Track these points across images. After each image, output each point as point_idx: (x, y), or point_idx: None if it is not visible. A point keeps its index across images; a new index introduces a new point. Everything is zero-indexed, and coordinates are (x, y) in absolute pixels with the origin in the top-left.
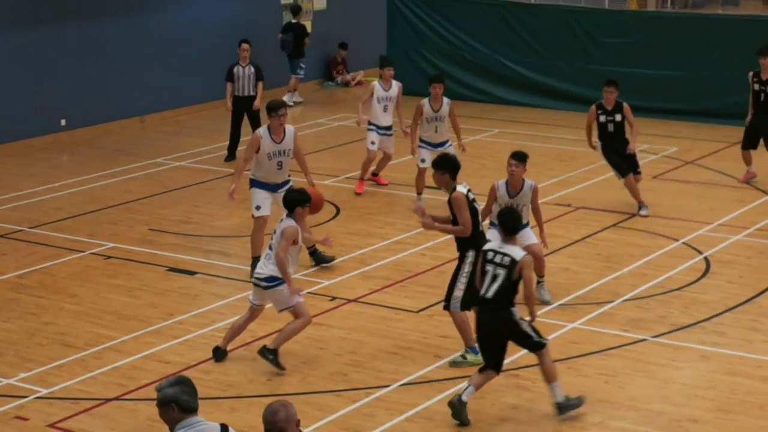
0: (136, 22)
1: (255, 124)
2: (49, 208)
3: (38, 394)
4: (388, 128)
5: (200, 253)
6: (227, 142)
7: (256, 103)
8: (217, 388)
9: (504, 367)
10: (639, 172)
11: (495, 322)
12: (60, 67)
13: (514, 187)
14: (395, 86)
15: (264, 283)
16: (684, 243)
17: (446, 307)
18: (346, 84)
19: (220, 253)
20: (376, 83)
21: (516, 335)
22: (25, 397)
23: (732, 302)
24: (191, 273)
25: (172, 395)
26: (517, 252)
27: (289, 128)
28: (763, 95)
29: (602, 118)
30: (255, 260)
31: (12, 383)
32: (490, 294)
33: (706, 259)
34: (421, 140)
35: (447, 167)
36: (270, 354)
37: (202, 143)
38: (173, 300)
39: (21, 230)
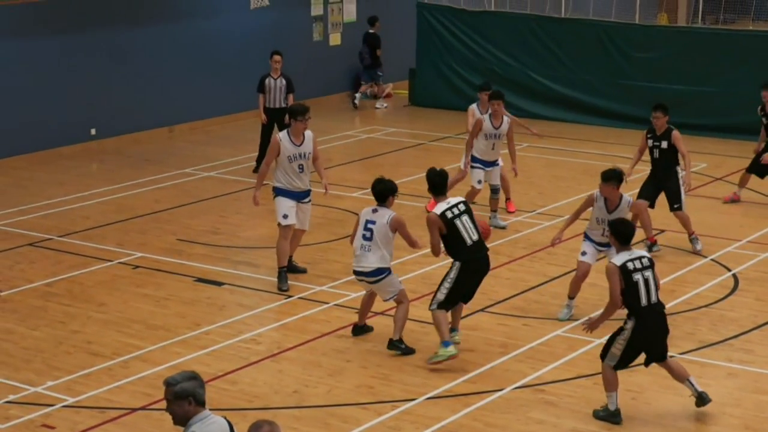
0: (167, 31)
1: None
2: (77, 216)
3: (65, 403)
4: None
5: (228, 263)
6: (256, 153)
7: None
8: (243, 399)
9: (530, 382)
10: (677, 208)
11: (664, 322)
12: (90, 76)
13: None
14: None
15: (370, 278)
16: (712, 260)
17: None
18: (375, 96)
19: (247, 263)
20: (474, 106)
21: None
22: (51, 405)
23: (760, 320)
24: (219, 283)
25: (191, 389)
26: (644, 252)
27: (308, 132)
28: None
29: (650, 143)
30: (282, 270)
31: (39, 391)
32: (654, 298)
33: (734, 275)
34: (473, 158)
35: (428, 185)
36: (400, 344)
37: (231, 153)
38: (200, 310)
39: (50, 238)
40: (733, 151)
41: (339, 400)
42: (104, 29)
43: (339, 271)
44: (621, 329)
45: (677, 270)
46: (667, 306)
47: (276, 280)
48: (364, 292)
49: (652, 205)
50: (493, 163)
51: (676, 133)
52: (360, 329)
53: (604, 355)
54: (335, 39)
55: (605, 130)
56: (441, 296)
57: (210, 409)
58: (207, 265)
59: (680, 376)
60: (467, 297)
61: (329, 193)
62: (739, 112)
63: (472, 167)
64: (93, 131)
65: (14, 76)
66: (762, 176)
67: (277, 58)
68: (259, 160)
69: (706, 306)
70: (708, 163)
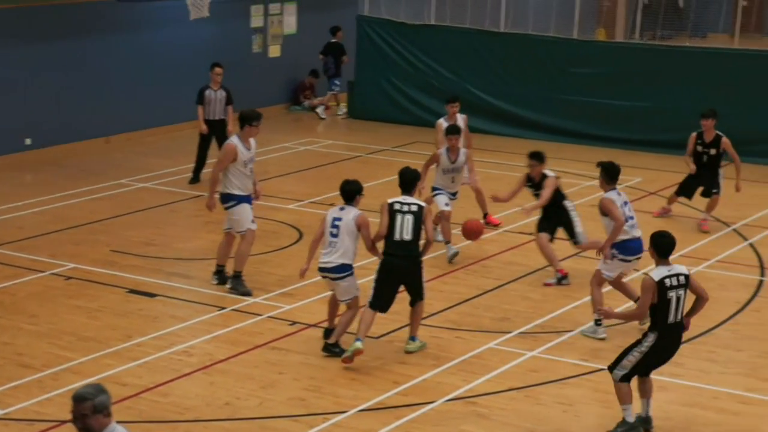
0: (105, 41)
1: None
2: (10, 227)
3: None
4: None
5: (161, 275)
6: (193, 164)
7: (230, 128)
8: (174, 411)
9: (462, 395)
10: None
11: (680, 339)
12: (26, 85)
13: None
14: (461, 120)
15: (333, 274)
16: (644, 273)
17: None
18: (313, 109)
19: (181, 275)
20: (441, 120)
21: None
22: None
23: (690, 333)
24: (152, 295)
25: (107, 401)
26: (683, 268)
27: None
28: (705, 157)
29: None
30: (240, 274)
31: None
32: (679, 317)
33: None
34: (435, 188)
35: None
36: (335, 347)
37: (168, 165)
38: (133, 322)
39: None
40: (668, 167)
41: (271, 413)
42: (41, 39)
43: (273, 283)
44: (639, 342)
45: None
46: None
47: (209, 291)
48: (300, 303)
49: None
50: (456, 195)
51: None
52: (331, 333)
53: (613, 367)
54: (275, 51)
55: (543, 144)
56: (372, 293)
57: (141, 422)
58: (140, 277)
59: (646, 393)
60: (384, 304)
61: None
62: (675, 127)
63: (436, 194)
64: (28, 141)
65: None
66: (690, 197)
67: (218, 70)
68: (196, 171)
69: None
70: (643, 177)
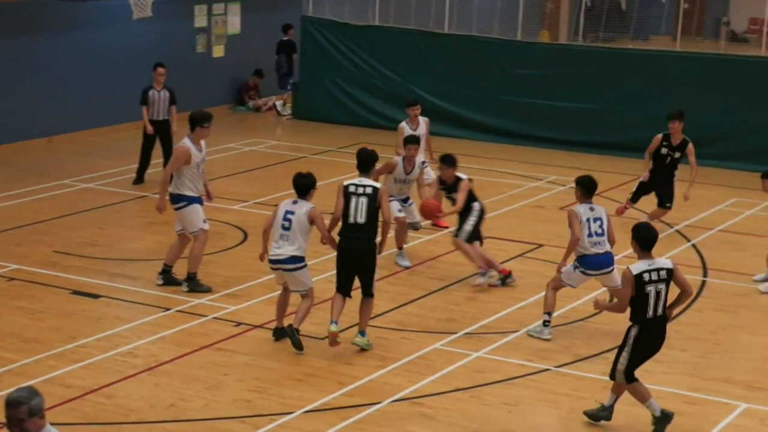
0: (47, 41)
1: (167, 148)
2: None
3: None
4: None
5: (105, 276)
6: (136, 165)
7: (174, 128)
8: (119, 413)
9: (407, 395)
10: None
11: (664, 333)
12: None
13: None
14: (423, 123)
15: (287, 265)
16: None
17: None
18: (258, 109)
19: (125, 276)
20: (403, 123)
21: None
22: None
23: None
24: (95, 296)
25: (41, 403)
26: (667, 262)
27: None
28: (669, 159)
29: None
30: (195, 275)
31: None
32: (660, 311)
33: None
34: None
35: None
36: (296, 333)
37: (111, 165)
38: (76, 323)
39: None
40: (611, 168)
41: (216, 414)
42: None
43: (218, 284)
44: (624, 340)
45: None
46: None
47: (154, 292)
48: (245, 304)
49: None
50: (408, 200)
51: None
52: (281, 332)
53: (612, 374)
54: (218, 51)
55: (487, 145)
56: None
57: (85, 424)
58: (84, 278)
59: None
60: (345, 287)
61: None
62: (617, 129)
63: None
64: None
65: None
66: (636, 201)
67: (161, 70)
68: (140, 172)
69: (581, 320)
70: None
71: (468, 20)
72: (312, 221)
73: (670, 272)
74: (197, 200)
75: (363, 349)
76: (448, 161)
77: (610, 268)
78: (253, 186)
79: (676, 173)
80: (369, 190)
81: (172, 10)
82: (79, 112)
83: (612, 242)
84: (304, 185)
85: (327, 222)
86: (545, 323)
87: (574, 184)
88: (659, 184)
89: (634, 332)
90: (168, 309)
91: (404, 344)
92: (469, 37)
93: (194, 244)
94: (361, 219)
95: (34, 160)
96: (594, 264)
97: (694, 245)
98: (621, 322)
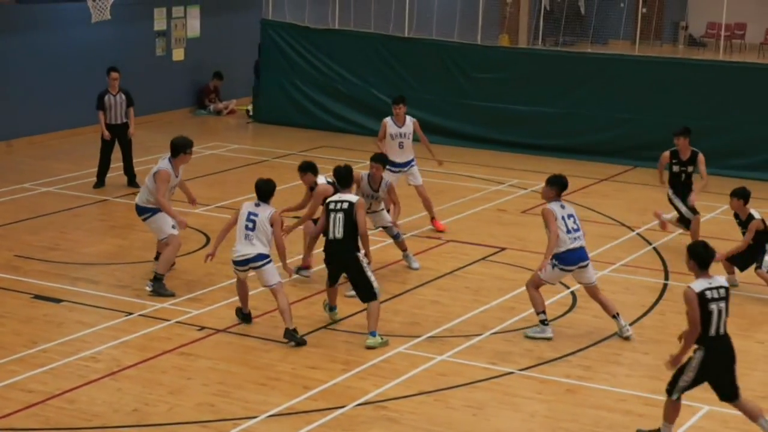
0: (4, 44)
1: (126, 151)
2: None
3: None
4: (405, 164)
5: (67, 280)
6: (96, 168)
7: (131, 130)
8: (81, 418)
9: (372, 399)
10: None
11: (733, 353)
12: None
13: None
14: (409, 122)
15: (256, 263)
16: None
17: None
18: (218, 113)
19: (87, 280)
20: (388, 119)
21: None
22: None
23: (597, 336)
24: (57, 300)
25: None
26: (723, 280)
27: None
28: (684, 175)
29: (675, 168)
30: (162, 277)
31: None
32: (722, 330)
33: (572, 293)
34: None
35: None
36: (295, 333)
37: (71, 169)
38: (38, 328)
39: None
40: (573, 171)
41: (180, 419)
42: None
43: (180, 287)
44: (689, 361)
45: (517, 288)
46: (507, 323)
47: (114, 297)
48: (208, 308)
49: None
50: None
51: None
52: (244, 316)
53: (671, 390)
54: (178, 54)
55: (447, 149)
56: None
57: (47, 429)
58: (45, 282)
59: (753, 415)
60: (333, 280)
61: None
62: (578, 132)
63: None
64: None
65: None
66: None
67: (114, 75)
68: (100, 175)
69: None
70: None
71: (428, 24)
72: (272, 225)
73: (727, 290)
74: (160, 211)
75: (370, 347)
76: (304, 168)
77: (586, 262)
78: (214, 189)
79: (694, 187)
80: (345, 206)
81: (131, 13)
82: (38, 116)
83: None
84: (266, 191)
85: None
86: (543, 322)
87: (543, 184)
88: (683, 198)
89: (699, 355)
90: (130, 313)
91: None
92: (430, 41)
93: (166, 248)
94: (339, 234)
95: None
96: (572, 259)
97: (655, 248)
98: (583, 325)
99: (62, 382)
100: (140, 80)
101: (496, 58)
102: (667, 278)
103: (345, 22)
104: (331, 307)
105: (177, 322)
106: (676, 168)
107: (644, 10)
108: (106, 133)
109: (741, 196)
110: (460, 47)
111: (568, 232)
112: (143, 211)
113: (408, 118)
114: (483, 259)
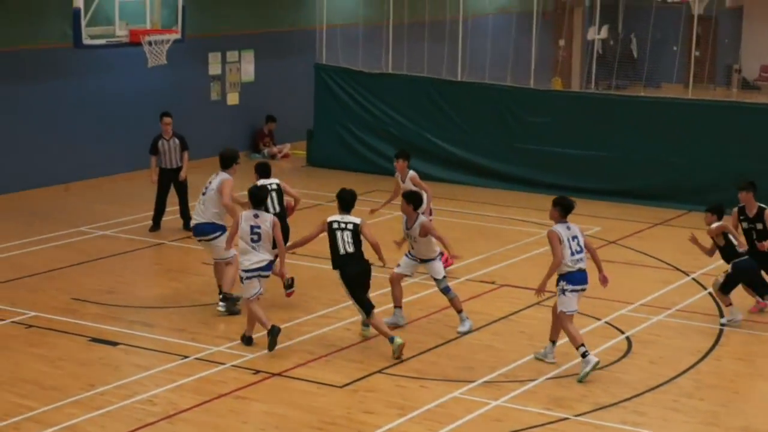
0: (64, 87)
1: (181, 194)
2: None
3: None
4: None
5: (123, 323)
6: (152, 212)
7: (182, 174)
8: None
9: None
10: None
11: None
12: None
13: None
14: (408, 180)
15: (267, 271)
16: (606, 322)
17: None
18: (273, 156)
19: (143, 323)
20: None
21: None
22: None
23: (653, 382)
24: (113, 343)
25: None
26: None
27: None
28: (754, 233)
29: (744, 225)
30: (226, 296)
31: None
32: None
33: (627, 338)
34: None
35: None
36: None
37: (127, 212)
38: (95, 370)
39: None
40: (627, 215)
41: None
42: (1, 85)
43: (236, 331)
44: None
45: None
46: (562, 368)
47: (170, 340)
48: (263, 351)
49: None
50: (427, 260)
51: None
52: (247, 339)
53: None
54: (233, 98)
55: (500, 193)
56: (352, 302)
57: None
58: (102, 325)
59: None
60: (369, 304)
61: None
62: (631, 176)
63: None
64: None
65: None
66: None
67: (167, 120)
68: (155, 219)
69: (599, 368)
70: (602, 227)
71: (481, 68)
72: (274, 228)
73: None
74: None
75: (401, 344)
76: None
77: (587, 285)
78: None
79: None
80: (351, 226)
81: (187, 58)
82: (96, 159)
83: (593, 251)
84: (263, 198)
85: None
86: (584, 355)
87: (551, 206)
88: (760, 256)
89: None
90: (186, 356)
91: (423, 393)
92: (482, 85)
93: (228, 268)
94: (351, 249)
95: (51, 207)
96: (578, 279)
97: (710, 293)
98: (638, 371)
99: (119, 425)
100: (195, 124)
101: (548, 102)
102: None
103: (398, 66)
104: (366, 325)
105: (232, 365)
106: (744, 225)
107: (697, 54)
108: (154, 178)
109: (750, 187)
110: (512, 91)
111: (572, 254)
112: (215, 229)
113: (410, 173)
114: (537, 303)
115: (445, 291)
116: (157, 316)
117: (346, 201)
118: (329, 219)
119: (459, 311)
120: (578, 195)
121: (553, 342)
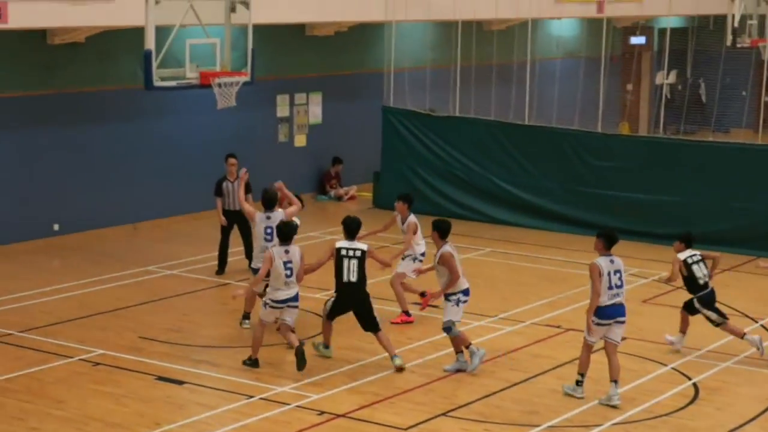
0: (132, 128)
1: (246, 236)
2: (38, 312)
3: None
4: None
5: (189, 362)
6: (217, 252)
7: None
8: None
9: None
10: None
11: None
12: (55, 171)
13: None
14: (404, 224)
15: (295, 302)
16: (673, 368)
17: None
18: (339, 198)
19: (208, 362)
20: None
21: None
22: None
23: (720, 430)
24: (179, 382)
25: None
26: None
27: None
28: None
29: None
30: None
31: None
32: None
33: (695, 385)
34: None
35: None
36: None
37: (193, 252)
38: (160, 409)
39: (10, 333)
40: None
41: None
42: (70, 125)
43: (301, 372)
44: None
45: (638, 378)
46: (627, 414)
47: (236, 379)
48: (328, 392)
49: None
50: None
51: None
52: (253, 362)
53: None
54: (300, 140)
55: (566, 237)
56: (327, 309)
57: None
58: (168, 364)
59: None
60: (334, 316)
61: None
62: (698, 221)
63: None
64: (56, 227)
65: None
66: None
67: (232, 161)
68: (221, 263)
69: (666, 415)
70: (669, 271)
71: (548, 112)
72: (301, 260)
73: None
74: None
75: (403, 368)
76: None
77: (623, 319)
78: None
79: None
80: (358, 253)
81: (255, 100)
82: (162, 199)
83: None
84: (289, 232)
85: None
86: (578, 383)
87: (595, 237)
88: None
89: None
90: (251, 396)
91: None
92: (549, 129)
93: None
94: (354, 278)
95: (119, 246)
96: (609, 314)
97: None
98: (705, 417)
99: None
100: (262, 166)
101: (616, 146)
102: None
103: (465, 110)
104: (326, 346)
105: (297, 406)
106: None
107: (767, 98)
108: (222, 219)
109: None
110: (579, 135)
111: (610, 288)
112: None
113: (411, 216)
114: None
115: (446, 330)
116: (223, 356)
117: (351, 228)
118: (337, 245)
119: (457, 351)
120: (645, 240)
121: (615, 382)
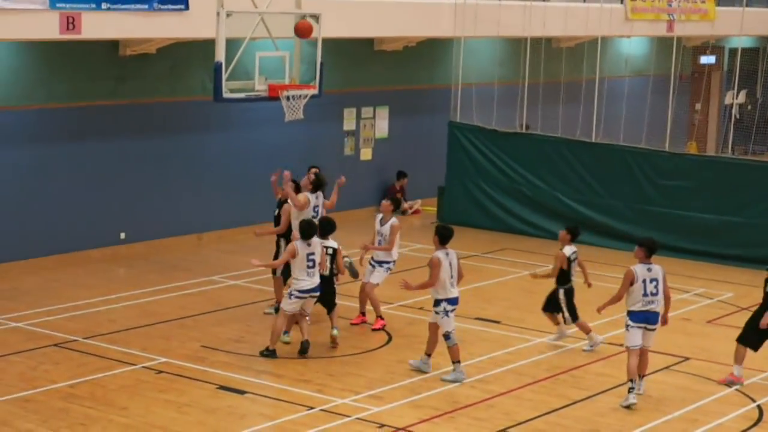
0: (200, 140)
1: None
2: (103, 319)
3: None
4: (379, 263)
5: (251, 372)
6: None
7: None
8: None
9: None
10: None
11: None
12: (122, 181)
13: None
14: (389, 223)
15: (317, 292)
16: (737, 390)
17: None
18: (404, 212)
19: (270, 373)
20: (378, 215)
21: None
22: None
23: None
24: (241, 392)
25: None
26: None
27: None
28: None
29: None
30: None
31: None
32: None
33: (759, 407)
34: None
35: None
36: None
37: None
38: (221, 418)
39: (75, 340)
40: (759, 282)
41: None
42: (139, 135)
43: (361, 385)
44: None
45: (701, 399)
46: None
47: (297, 390)
48: (388, 406)
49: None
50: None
51: None
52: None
53: None
54: (366, 154)
55: (631, 255)
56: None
57: None
58: (230, 373)
59: None
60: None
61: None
62: (765, 242)
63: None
64: (122, 235)
65: (49, 178)
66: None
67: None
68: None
69: None
70: (734, 293)
71: (615, 130)
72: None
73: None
74: None
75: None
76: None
77: (653, 327)
78: (395, 289)
79: None
80: (331, 251)
81: (322, 113)
82: (228, 210)
83: (667, 298)
84: (313, 230)
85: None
86: (630, 390)
87: (637, 245)
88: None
89: None
90: (312, 408)
91: None
92: (616, 147)
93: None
94: (327, 272)
95: (184, 256)
96: (639, 318)
97: None
98: None
99: None
100: (329, 178)
101: (683, 166)
102: None
103: (531, 126)
104: (285, 332)
105: (357, 418)
106: None
107: None
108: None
109: None
110: (647, 154)
111: (645, 294)
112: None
113: (393, 219)
114: (666, 368)
115: (445, 337)
116: (285, 366)
117: (327, 228)
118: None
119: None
120: (711, 260)
121: (642, 375)
